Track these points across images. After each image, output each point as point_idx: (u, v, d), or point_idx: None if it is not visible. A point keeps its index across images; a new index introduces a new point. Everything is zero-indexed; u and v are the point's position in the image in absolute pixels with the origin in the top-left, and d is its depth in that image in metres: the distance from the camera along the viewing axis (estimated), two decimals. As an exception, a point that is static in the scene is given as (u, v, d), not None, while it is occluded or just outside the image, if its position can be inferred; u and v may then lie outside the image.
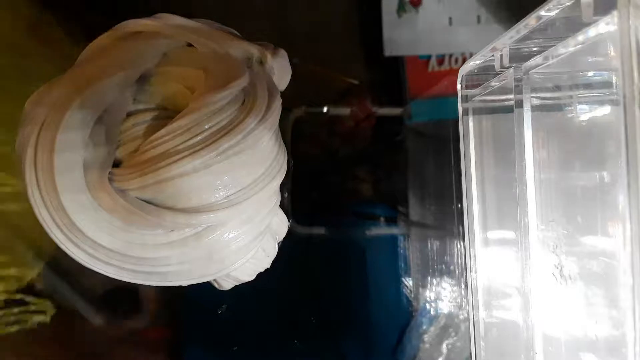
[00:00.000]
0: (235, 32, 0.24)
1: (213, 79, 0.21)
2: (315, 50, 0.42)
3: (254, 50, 0.23)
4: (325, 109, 0.44)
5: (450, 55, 0.45)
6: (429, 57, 0.46)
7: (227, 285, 0.25)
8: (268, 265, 0.24)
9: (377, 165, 0.46)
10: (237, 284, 0.24)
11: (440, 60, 0.45)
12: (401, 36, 0.45)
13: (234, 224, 0.22)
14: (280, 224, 0.25)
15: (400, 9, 0.45)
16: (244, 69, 0.22)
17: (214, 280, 0.24)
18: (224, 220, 0.21)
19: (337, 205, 0.45)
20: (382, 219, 0.46)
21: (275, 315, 0.40)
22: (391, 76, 0.47)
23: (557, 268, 0.22)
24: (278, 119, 0.22)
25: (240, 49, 0.23)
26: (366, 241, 0.45)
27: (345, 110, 0.45)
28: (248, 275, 0.25)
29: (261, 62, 0.23)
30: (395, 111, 0.45)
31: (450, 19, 0.45)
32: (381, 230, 0.46)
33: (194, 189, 0.21)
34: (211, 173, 0.20)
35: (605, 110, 0.20)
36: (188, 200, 0.21)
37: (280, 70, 0.24)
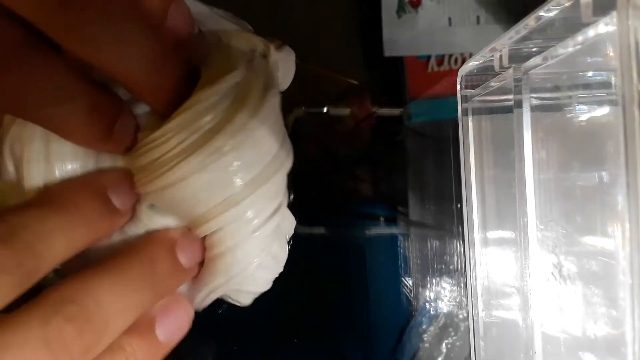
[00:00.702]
0: (247, 25, 0.23)
1: (209, 73, 0.21)
2: (315, 50, 0.42)
3: (258, 42, 0.23)
4: (325, 109, 0.44)
5: (450, 56, 0.45)
6: (428, 58, 0.46)
7: (246, 300, 0.24)
8: (281, 269, 0.24)
9: (377, 165, 0.46)
10: (256, 296, 0.24)
11: (440, 60, 0.46)
12: (401, 37, 0.45)
13: (240, 229, 0.21)
14: (290, 225, 0.24)
15: (400, 9, 0.45)
16: (240, 63, 0.21)
17: (230, 297, 0.23)
18: (227, 222, 0.21)
19: (337, 205, 0.45)
20: (382, 219, 0.46)
21: (275, 315, 0.40)
22: (391, 76, 0.47)
23: (556, 268, 0.22)
24: (273, 112, 0.22)
25: (244, 40, 0.22)
26: (366, 241, 0.45)
27: (345, 110, 0.45)
28: (265, 285, 0.24)
29: (264, 56, 0.23)
30: (395, 111, 0.45)
31: (449, 19, 0.45)
32: (381, 230, 0.46)
33: (195, 194, 0.20)
34: (210, 172, 0.20)
35: (604, 110, 0.20)
36: (191, 208, 0.20)
37: (284, 68, 0.23)
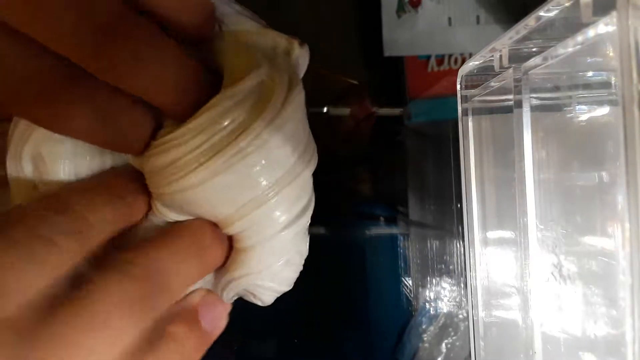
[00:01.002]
0: (263, 21, 0.23)
1: (231, 73, 0.20)
2: (315, 50, 0.42)
3: (280, 39, 0.22)
4: (325, 109, 0.44)
5: (450, 56, 0.45)
6: (428, 58, 0.46)
7: (269, 298, 0.23)
8: (302, 267, 0.23)
9: (377, 165, 0.46)
10: (278, 295, 0.23)
11: (440, 60, 0.46)
12: (401, 36, 0.45)
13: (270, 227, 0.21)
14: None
15: (400, 9, 0.45)
16: (263, 62, 0.21)
17: (253, 295, 0.23)
18: (253, 223, 0.21)
19: (337, 205, 0.45)
20: (382, 219, 0.46)
21: (276, 315, 0.40)
22: (391, 76, 0.47)
23: (556, 268, 0.22)
24: (299, 110, 0.21)
25: (266, 38, 0.22)
26: (366, 241, 0.45)
27: (345, 110, 0.45)
28: (288, 284, 0.23)
29: (287, 53, 0.22)
30: (395, 111, 0.45)
31: (449, 19, 0.45)
32: (381, 230, 0.46)
33: (217, 196, 0.20)
34: (233, 173, 0.19)
35: (604, 110, 0.20)
36: (213, 210, 0.20)
37: (302, 65, 0.23)
